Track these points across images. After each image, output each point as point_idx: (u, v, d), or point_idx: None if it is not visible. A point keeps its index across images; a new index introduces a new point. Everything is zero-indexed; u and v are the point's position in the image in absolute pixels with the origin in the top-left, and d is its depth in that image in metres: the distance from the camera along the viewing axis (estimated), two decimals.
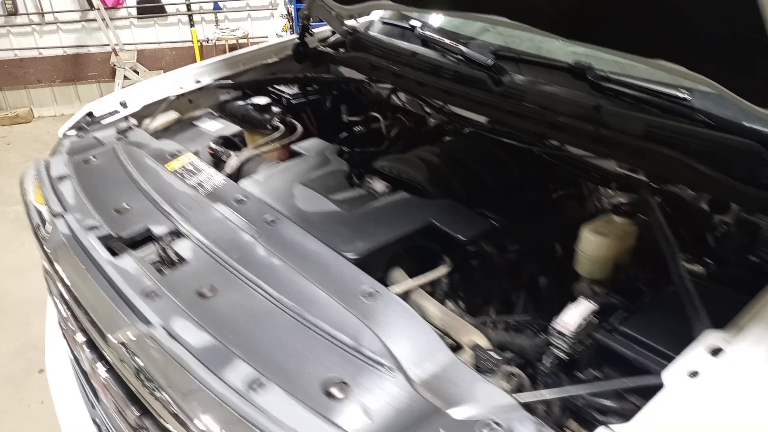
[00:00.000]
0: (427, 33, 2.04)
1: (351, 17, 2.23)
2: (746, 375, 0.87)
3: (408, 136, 2.06)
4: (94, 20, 6.04)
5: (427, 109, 2.02)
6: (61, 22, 6.19)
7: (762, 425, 0.82)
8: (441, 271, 1.39)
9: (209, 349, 0.97)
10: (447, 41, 1.91)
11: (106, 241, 1.24)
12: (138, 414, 1.06)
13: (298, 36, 2.24)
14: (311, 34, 2.28)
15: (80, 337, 1.22)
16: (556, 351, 1.17)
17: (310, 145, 1.79)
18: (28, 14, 6.05)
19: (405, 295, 1.31)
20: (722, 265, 1.33)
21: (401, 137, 2.08)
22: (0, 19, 6.02)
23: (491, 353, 1.10)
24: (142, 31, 6.41)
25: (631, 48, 1.44)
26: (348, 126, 2.10)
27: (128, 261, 1.18)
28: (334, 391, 0.90)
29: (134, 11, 6.33)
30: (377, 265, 1.32)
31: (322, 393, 0.90)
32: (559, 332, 1.16)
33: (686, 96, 1.46)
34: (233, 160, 1.75)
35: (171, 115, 2.02)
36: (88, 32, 6.32)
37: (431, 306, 1.30)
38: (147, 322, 1.02)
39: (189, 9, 6.33)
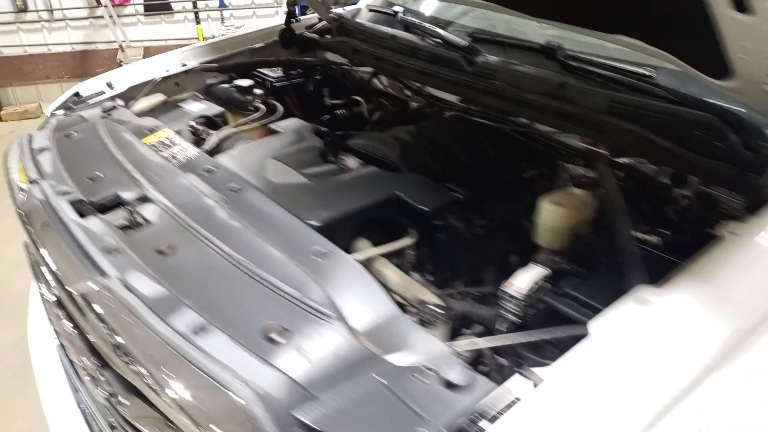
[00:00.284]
0: (408, 18, 2.08)
1: (336, 3, 2.27)
2: (666, 322, 0.90)
3: (389, 120, 2.10)
4: (102, 17, 6.14)
5: (407, 92, 2.06)
6: (70, 19, 6.30)
7: (677, 367, 0.85)
8: (405, 242, 1.42)
9: (160, 298, 1.01)
10: (426, 25, 1.95)
11: (76, 205, 1.29)
12: (98, 364, 1.10)
13: (284, 21, 2.29)
14: (297, 20, 2.33)
15: (50, 296, 1.27)
16: (507, 315, 1.20)
17: (287, 124, 1.83)
18: (37, 11, 6.16)
19: (367, 263, 1.34)
20: (679, 236, 1.36)
21: (383, 121, 2.12)
22: (10, 16, 6.14)
23: (433, 307, 1.13)
24: (149, 28, 6.51)
25: (593, 24, 1.48)
26: (331, 109, 2.14)
27: (94, 222, 1.23)
28: (275, 336, 0.94)
29: (141, 8, 6.42)
30: (341, 233, 1.36)
31: (262, 338, 0.94)
32: (510, 296, 1.19)
33: (650, 73, 1.49)
34: (212, 138, 1.80)
35: (158, 97, 2.08)
36: (96, 29, 6.42)
37: (391, 273, 1.33)
38: (105, 275, 1.06)
39: (195, 6, 6.42)
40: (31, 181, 1.39)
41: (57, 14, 6.22)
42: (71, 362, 1.48)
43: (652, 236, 1.35)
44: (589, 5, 1.45)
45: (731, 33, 1.08)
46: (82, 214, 1.27)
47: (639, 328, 0.90)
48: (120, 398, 1.07)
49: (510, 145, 1.72)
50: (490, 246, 1.55)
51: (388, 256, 1.40)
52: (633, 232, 1.25)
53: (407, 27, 2.08)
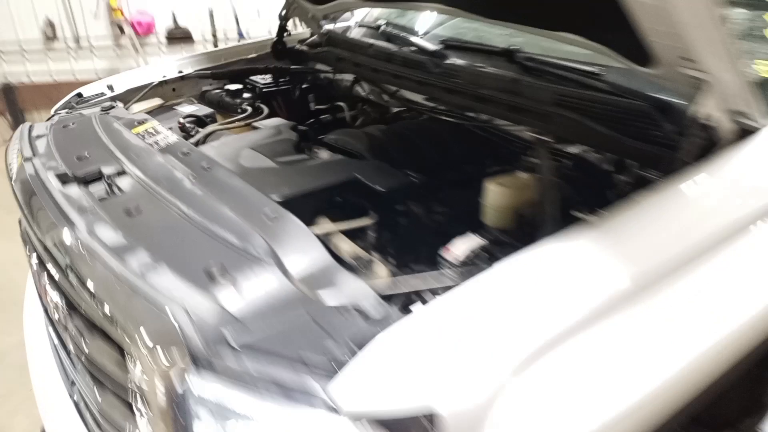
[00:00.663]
0: (389, 29, 2.25)
1: (325, 18, 2.43)
2: (562, 264, 1.00)
3: (369, 124, 2.23)
4: (126, 47, 6.47)
5: (386, 97, 2.20)
6: (96, 48, 6.63)
7: (565, 306, 0.95)
8: (363, 222, 1.53)
9: (119, 245, 1.13)
10: (402, 34, 2.10)
11: (61, 176, 1.43)
12: (68, 313, 1.23)
13: (276, 35, 2.46)
14: (289, 34, 2.50)
15: (34, 260, 1.40)
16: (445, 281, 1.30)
17: (268, 122, 1.98)
18: (65, 40, 6.51)
19: (324, 237, 1.45)
20: None
21: (363, 125, 2.25)
22: (40, 45, 6.49)
23: (364, 258, 1.24)
24: (170, 58, 6.80)
25: (541, 24, 1.60)
26: (315, 114, 2.28)
27: (74, 189, 1.37)
28: (215, 273, 1.05)
29: (164, 38, 6.74)
30: (302, 210, 1.47)
31: (204, 275, 1.05)
32: (447, 261, 1.30)
33: (595, 70, 1.61)
34: (199, 134, 1.95)
35: (155, 101, 2.24)
36: (120, 58, 6.74)
37: (345, 244, 1.44)
38: (75, 227, 1.19)
39: (215, 37, 6.71)
40: (25, 159, 1.54)
41: (83, 43, 6.56)
42: (62, 344, 1.60)
43: (589, 216, 1.44)
44: (535, 5, 1.58)
45: (642, 18, 1.20)
46: (65, 184, 1.40)
47: (535, 269, 1.00)
48: (84, 341, 1.19)
49: (471, 139, 1.84)
50: (446, 229, 1.65)
51: (349, 234, 1.51)
52: (557, 201, 1.35)
53: (388, 38, 2.24)
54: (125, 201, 1.32)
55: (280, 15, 2.45)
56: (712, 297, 1.11)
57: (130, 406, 1.10)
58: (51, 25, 6.35)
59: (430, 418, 0.86)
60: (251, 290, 1.04)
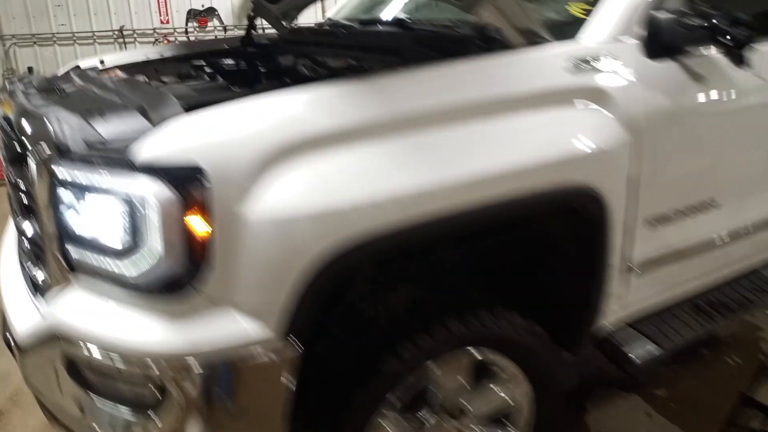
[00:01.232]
0: (329, 20, 2.76)
1: (285, 17, 2.95)
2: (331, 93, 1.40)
3: None
4: None
5: (318, 69, 2.66)
6: None
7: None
8: None
9: (40, 103, 1.61)
10: (327, 20, 2.61)
11: (26, 85, 1.94)
12: (9, 163, 1.70)
13: (245, 31, 2.99)
14: (256, 31, 3.02)
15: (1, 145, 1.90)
16: None
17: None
18: None
19: None
20: None
21: None
22: None
23: None
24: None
25: None
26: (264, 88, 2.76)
27: (34, 93, 1.87)
28: (93, 111, 1.50)
29: None
30: None
31: (85, 112, 1.49)
32: None
33: (452, 25, 2.04)
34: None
35: (140, 78, 2.78)
36: None
37: None
38: (15, 96, 1.69)
39: None
40: (10, 81, 2.07)
41: None
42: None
43: None
44: None
45: None
46: (27, 88, 1.91)
47: (318, 93, 1.42)
48: (17, 179, 1.64)
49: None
50: None
51: None
52: None
53: (329, 25, 2.75)
54: (62, 92, 1.80)
55: (248, 15, 2.98)
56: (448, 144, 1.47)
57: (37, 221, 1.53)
58: None
59: (199, 170, 1.25)
60: (115, 121, 1.48)
